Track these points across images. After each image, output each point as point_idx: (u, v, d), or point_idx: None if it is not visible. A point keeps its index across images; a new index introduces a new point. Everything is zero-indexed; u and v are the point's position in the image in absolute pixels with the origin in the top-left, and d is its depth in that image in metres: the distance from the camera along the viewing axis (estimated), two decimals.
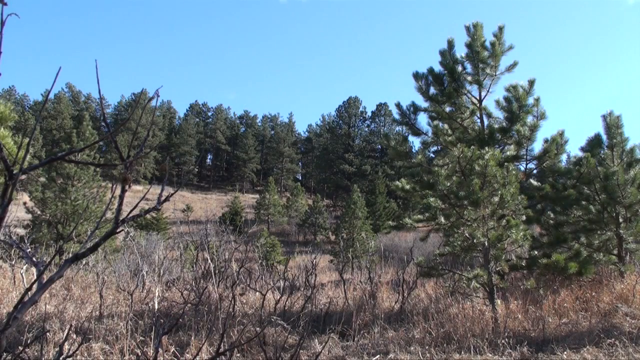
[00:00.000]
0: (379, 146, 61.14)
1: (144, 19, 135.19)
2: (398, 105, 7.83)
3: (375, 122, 65.49)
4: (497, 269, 5.70)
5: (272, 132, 79.68)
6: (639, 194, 6.77)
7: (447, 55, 7.62)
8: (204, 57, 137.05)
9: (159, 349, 1.75)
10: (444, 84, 7.55)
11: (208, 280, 6.60)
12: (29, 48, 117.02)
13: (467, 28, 7.58)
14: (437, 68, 7.66)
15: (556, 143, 7.26)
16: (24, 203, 15.30)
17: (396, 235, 23.08)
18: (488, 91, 7.57)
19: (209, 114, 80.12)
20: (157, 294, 5.84)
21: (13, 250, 7.70)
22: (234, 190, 65.05)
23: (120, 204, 0.88)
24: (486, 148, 5.87)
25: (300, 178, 75.66)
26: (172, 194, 1.79)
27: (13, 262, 7.49)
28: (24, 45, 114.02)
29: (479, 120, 7.64)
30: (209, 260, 6.85)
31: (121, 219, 0.87)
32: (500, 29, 7.56)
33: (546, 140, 7.40)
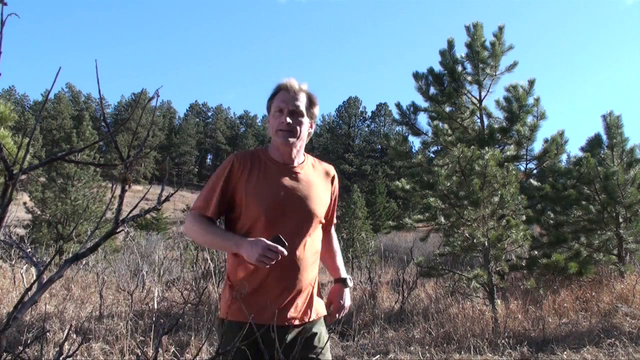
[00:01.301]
0: (379, 146, 61.15)
1: (143, 19, 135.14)
2: (398, 105, 7.83)
3: (375, 122, 65.53)
4: (497, 269, 5.70)
5: None
6: (639, 194, 6.77)
7: (447, 55, 7.62)
8: (203, 57, 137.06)
9: (159, 349, 1.75)
10: (444, 84, 7.55)
11: (208, 280, 6.60)
12: (29, 48, 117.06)
13: (467, 28, 7.57)
14: (437, 68, 7.66)
15: (556, 143, 7.26)
16: (24, 203, 15.30)
17: (396, 235, 23.07)
18: (488, 91, 7.57)
19: (209, 114, 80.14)
20: (157, 294, 5.85)
21: (13, 250, 7.70)
22: None
23: (120, 204, 0.88)
24: (486, 148, 5.87)
25: None
26: (172, 194, 1.79)
27: (13, 262, 7.48)
28: (24, 45, 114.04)
29: (479, 120, 7.64)
30: (209, 260, 6.85)
31: (121, 219, 0.87)
32: (500, 29, 7.56)
33: (546, 140, 7.40)
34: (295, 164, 1.81)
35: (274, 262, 1.55)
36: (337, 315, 1.84)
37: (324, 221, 1.86)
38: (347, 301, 1.87)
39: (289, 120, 1.74)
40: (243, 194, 1.72)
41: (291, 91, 1.77)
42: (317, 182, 1.83)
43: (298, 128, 1.76)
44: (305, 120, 1.80)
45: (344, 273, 1.92)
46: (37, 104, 63.11)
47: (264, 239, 1.57)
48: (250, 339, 1.50)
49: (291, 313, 1.69)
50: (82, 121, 17.67)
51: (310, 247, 1.76)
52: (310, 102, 1.82)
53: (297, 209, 1.73)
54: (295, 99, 1.77)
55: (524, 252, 6.92)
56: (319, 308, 1.80)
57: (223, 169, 1.80)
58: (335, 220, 2.02)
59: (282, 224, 1.70)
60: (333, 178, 1.91)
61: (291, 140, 1.75)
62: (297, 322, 1.70)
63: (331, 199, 1.90)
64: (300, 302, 1.72)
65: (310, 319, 1.75)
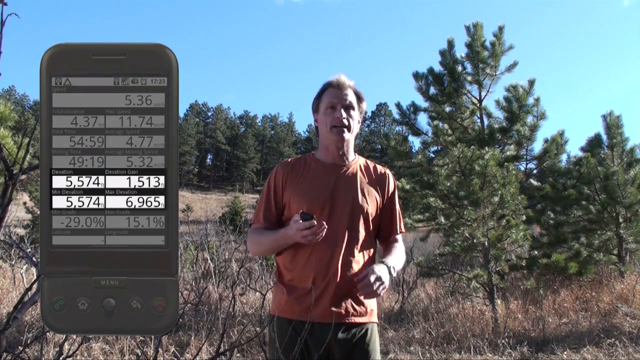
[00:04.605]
0: (379, 146, 61.20)
1: (143, 20, 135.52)
2: (398, 105, 7.82)
3: (375, 122, 65.58)
4: (497, 269, 5.70)
5: (272, 132, 79.74)
6: (639, 194, 6.77)
7: (447, 55, 7.61)
8: (203, 58, 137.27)
9: (159, 349, 1.74)
10: (444, 84, 7.54)
11: (208, 280, 6.60)
12: (29, 48, 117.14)
13: (467, 28, 7.57)
14: (437, 68, 7.65)
15: (556, 143, 7.26)
16: (24, 203, 15.27)
17: None
18: (488, 91, 7.57)
19: (209, 114, 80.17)
20: None
21: (13, 250, 7.70)
22: (234, 190, 65.12)
23: None
24: (486, 148, 5.87)
25: None
26: None
27: (13, 262, 7.48)
28: (24, 45, 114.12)
29: (479, 120, 7.63)
30: (209, 260, 6.85)
31: None
32: (500, 29, 7.55)
33: (546, 140, 7.39)
34: (344, 162, 1.78)
35: (319, 236, 1.52)
36: (371, 281, 1.55)
37: (372, 222, 1.76)
38: (384, 276, 1.59)
39: (344, 114, 1.72)
40: (288, 198, 1.73)
41: (341, 87, 1.75)
42: (365, 179, 1.78)
43: (352, 122, 1.75)
44: (356, 114, 1.78)
45: (389, 261, 1.69)
46: (37, 104, 63.16)
47: (292, 220, 1.56)
48: (301, 335, 1.47)
49: (339, 311, 1.64)
50: None
51: (359, 245, 1.70)
52: (359, 98, 1.81)
53: (341, 205, 1.70)
54: (345, 94, 1.75)
55: (524, 252, 6.92)
56: (372, 311, 1.75)
57: (268, 179, 1.82)
58: (402, 230, 1.87)
59: (326, 220, 1.64)
60: (386, 179, 1.84)
61: (346, 136, 1.73)
62: (346, 321, 1.66)
63: (384, 199, 1.81)
64: (349, 300, 1.67)
65: (361, 319, 1.70)
